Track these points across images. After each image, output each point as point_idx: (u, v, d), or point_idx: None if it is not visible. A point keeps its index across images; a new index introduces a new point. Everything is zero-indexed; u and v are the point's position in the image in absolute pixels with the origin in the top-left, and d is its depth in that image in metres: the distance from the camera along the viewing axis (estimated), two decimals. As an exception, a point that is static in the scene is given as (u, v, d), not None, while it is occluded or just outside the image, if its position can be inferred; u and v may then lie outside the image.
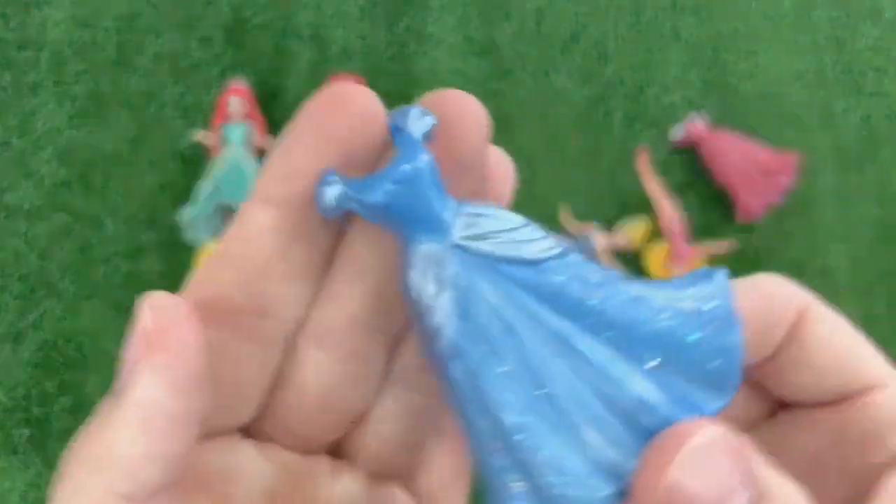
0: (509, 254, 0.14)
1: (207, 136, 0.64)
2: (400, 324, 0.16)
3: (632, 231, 0.60)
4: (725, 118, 0.66)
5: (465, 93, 0.16)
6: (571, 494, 0.13)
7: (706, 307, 0.14)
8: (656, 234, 0.61)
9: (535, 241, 0.14)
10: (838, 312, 0.16)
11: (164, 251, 0.62)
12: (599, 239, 0.59)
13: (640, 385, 0.14)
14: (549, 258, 0.14)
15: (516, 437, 0.14)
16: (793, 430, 0.17)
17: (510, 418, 0.14)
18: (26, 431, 0.56)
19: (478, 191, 0.16)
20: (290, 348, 0.16)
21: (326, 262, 0.16)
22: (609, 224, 0.61)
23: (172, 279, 0.61)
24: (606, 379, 0.14)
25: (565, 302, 0.14)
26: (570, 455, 0.14)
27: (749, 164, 0.61)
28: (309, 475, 0.17)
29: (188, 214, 0.60)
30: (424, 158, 0.14)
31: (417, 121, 0.15)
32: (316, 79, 0.68)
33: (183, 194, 0.63)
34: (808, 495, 0.13)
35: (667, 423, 0.14)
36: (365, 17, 0.71)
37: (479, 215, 0.14)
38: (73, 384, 0.58)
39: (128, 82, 0.68)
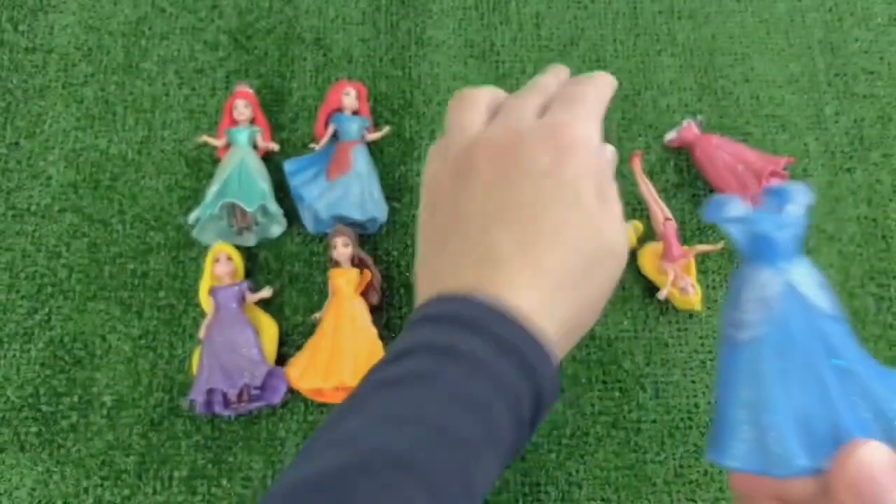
0: (818, 305, 0.21)
1: (214, 138, 0.65)
2: None
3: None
4: (719, 121, 0.67)
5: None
6: (784, 453, 0.20)
7: None
8: (650, 235, 0.62)
9: (831, 304, 0.21)
10: None
11: (170, 251, 0.63)
12: None
13: (854, 424, 0.20)
14: (837, 318, 0.21)
15: (765, 402, 0.21)
16: None
17: (769, 391, 0.21)
18: (34, 428, 0.57)
19: None
20: None
21: None
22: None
23: (179, 279, 0.62)
24: (836, 411, 0.20)
25: (837, 352, 0.21)
26: (795, 433, 0.20)
27: (740, 166, 0.62)
28: None
29: (195, 215, 0.61)
30: (805, 211, 0.22)
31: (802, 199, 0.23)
32: (319, 82, 0.69)
33: (189, 196, 0.64)
34: None
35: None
36: (366, 21, 0.71)
37: (806, 269, 0.22)
38: (80, 382, 0.58)
39: (134, 86, 0.69)
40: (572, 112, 0.33)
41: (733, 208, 0.22)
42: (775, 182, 0.62)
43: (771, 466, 0.20)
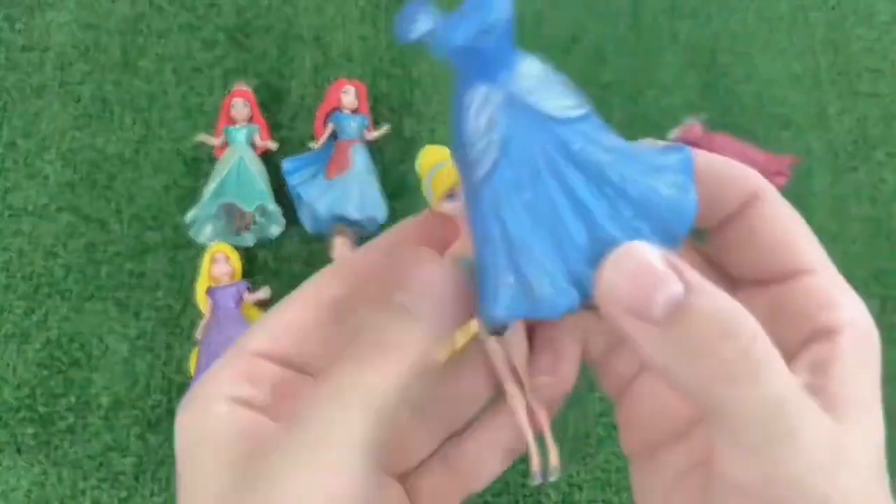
0: (547, 110, 0.18)
1: (211, 137, 0.65)
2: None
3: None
4: (722, 120, 0.67)
5: None
6: (548, 292, 0.17)
7: (677, 178, 0.18)
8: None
9: (568, 102, 0.18)
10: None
11: (168, 251, 0.62)
12: None
13: (615, 229, 0.18)
14: (577, 118, 0.18)
15: (517, 244, 0.18)
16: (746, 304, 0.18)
17: (517, 230, 0.18)
18: (31, 430, 0.57)
19: None
20: None
21: None
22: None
23: (177, 280, 0.61)
24: (594, 223, 0.18)
25: (580, 157, 0.18)
26: (555, 266, 0.18)
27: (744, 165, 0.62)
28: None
29: (192, 215, 0.61)
30: (506, 8, 0.17)
31: None
32: (318, 81, 0.69)
33: (187, 195, 0.64)
34: (731, 298, 0.16)
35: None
36: (365, 19, 0.71)
37: (531, 71, 0.18)
38: (77, 383, 0.58)
39: (132, 84, 0.69)
40: None
41: (422, 23, 0.17)
42: (779, 181, 0.62)
43: (539, 309, 0.17)
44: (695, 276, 0.15)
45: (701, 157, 0.18)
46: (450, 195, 0.18)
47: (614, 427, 0.56)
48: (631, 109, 0.68)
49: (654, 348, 0.16)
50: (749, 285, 0.19)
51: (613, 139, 0.18)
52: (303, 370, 0.18)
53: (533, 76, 0.18)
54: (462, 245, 0.20)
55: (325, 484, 0.15)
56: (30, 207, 0.64)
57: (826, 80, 0.69)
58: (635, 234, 0.17)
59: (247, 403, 0.17)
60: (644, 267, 0.16)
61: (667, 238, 0.18)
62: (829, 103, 0.68)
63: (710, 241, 0.20)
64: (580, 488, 0.54)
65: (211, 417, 0.17)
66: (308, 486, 0.15)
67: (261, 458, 0.15)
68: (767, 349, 0.15)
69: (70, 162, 0.66)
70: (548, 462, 0.21)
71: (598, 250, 0.17)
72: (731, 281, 0.19)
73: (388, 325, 0.17)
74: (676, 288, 0.15)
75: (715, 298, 0.15)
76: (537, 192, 0.17)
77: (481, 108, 0.17)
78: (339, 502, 0.15)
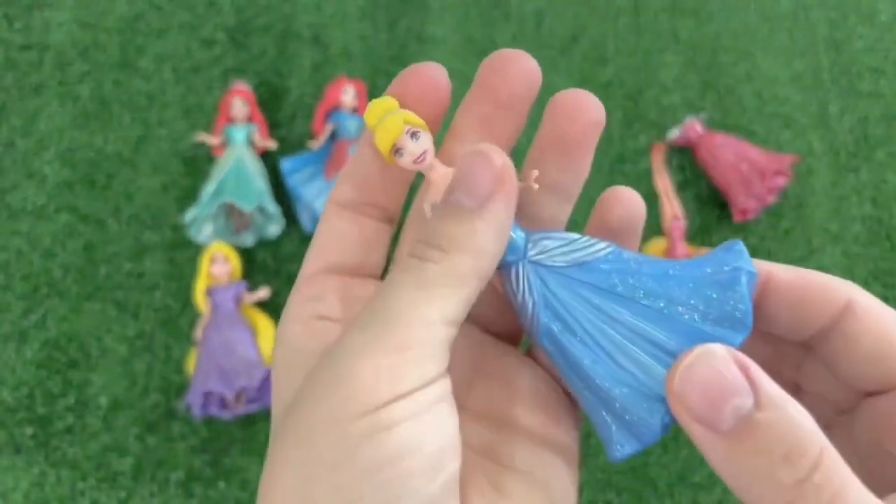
0: (565, 262, 0.20)
1: (210, 137, 0.64)
2: None
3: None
4: (722, 119, 0.66)
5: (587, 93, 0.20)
6: (641, 424, 0.18)
7: (723, 270, 0.18)
8: (655, 230, 0.62)
9: (583, 249, 0.19)
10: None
11: (167, 251, 0.62)
12: None
13: (671, 339, 0.18)
14: (595, 259, 0.19)
15: (596, 382, 0.19)
16: (863, 415, 0.18)
17: (589, 369, 0.19)
18: (30, 430, 0.56)
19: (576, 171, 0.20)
20: None
21: None
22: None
23: (175, 279, 0.61)
24: (648, 338, 0.18)
25: (612, 287, 0.19)
26: (635, 393, 0.18)
27: (745, 164, 0.61)
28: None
29: (192, 215, 0.60)
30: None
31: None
32: (317, 80, 0.68)
33: (186, 195, 0.64)
34: (802, 409, 0.15)
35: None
36: (365, 17, 0.71)
37: (541, 239, 0.20)
38: (76, 383, 0.58)
39: (131, 83, 0.68)
40: None
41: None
42: (780, 181, 0.61)
43: (646, 440, 0.18)
44: (765, 384, 0.15)
45: (784, 272, 0.18)
46: (396, 150, 0.17)
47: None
48: (631, 109, 0.67)
49: (720, 460, 0.15)
50: (869, 396, 0.18)
51: (638, 261, 0.19)
52: (358, 273, 0.20)
53: (544, 242, 0.20)
54: (431, 192, 0.20)
55: (397, 364, 0.15)
56: (28, 207, 0.63)
57: (827, 80, 0.68)
58: (700, 338, 0.17)
59: (319, 317, 0.19)
60: (714, 375, 0.15)
61: (734, 331, 0.17)
62: (830, 103, 0.68)
63: (810, 353, 0.19)
64: (580, 489, 0.54)
65: (286, 340, 0.18)
66: (379, 367, 0.15)
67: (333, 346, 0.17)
68: (832, 475, 0.14)
69: (68, 161, 0.65)
70: None
71: (666, 363, 0.18)
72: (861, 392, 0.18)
73: (457, 228, 0.17)
74: (746, 401, 0.15)
75: (784, 411, 0.15)
76: (587, 335, 0.19)
77: (516, 281, 0.19)
78: (412, 384, 0.15)
